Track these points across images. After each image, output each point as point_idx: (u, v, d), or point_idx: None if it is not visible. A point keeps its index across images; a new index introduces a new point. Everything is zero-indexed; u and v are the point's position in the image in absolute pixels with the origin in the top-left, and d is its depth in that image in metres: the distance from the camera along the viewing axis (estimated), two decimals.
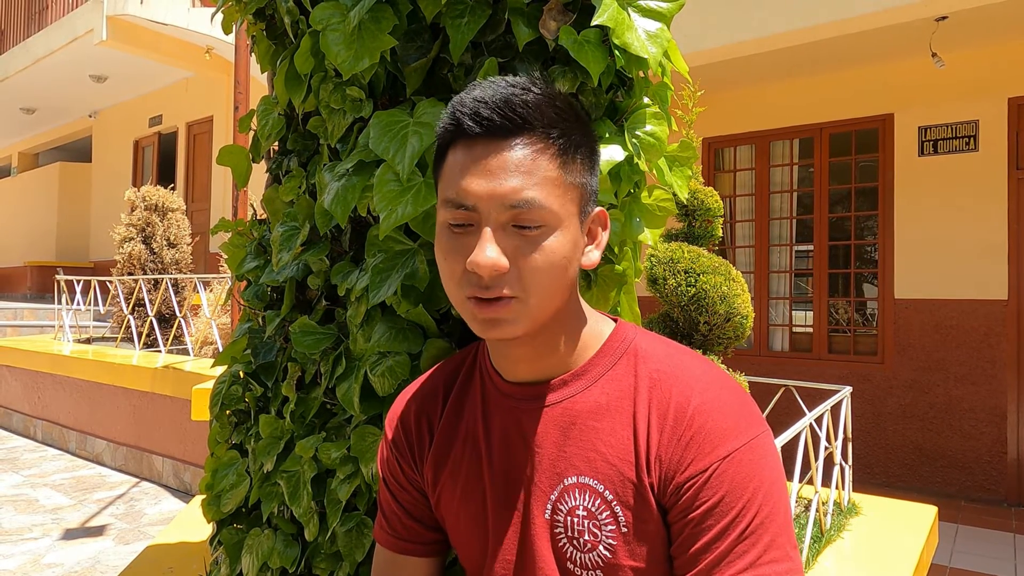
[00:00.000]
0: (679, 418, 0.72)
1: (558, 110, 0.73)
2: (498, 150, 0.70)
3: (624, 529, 0.72)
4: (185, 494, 4.62)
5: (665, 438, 0.72)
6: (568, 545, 0.75)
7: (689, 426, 0.71)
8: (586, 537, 0.74)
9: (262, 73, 1.39)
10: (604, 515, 0.73)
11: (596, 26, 0.96)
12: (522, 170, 0.70)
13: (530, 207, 0.69)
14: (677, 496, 0.70)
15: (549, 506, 0.76)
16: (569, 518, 0.75)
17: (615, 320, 0.84)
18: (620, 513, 0.73)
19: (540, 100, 0.72)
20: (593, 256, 0.78)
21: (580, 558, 0.74)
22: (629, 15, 0.99)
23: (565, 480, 0.76)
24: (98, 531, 3.90)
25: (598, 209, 0.78)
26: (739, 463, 0.69)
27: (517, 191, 0.69)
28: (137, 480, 4.96)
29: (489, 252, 0.69)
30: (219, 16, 1.36)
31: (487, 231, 0.70)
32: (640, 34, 0.99)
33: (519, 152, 0.70)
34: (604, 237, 0.79)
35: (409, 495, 0.89)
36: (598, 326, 0.81)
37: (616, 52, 1.00)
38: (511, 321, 0.71)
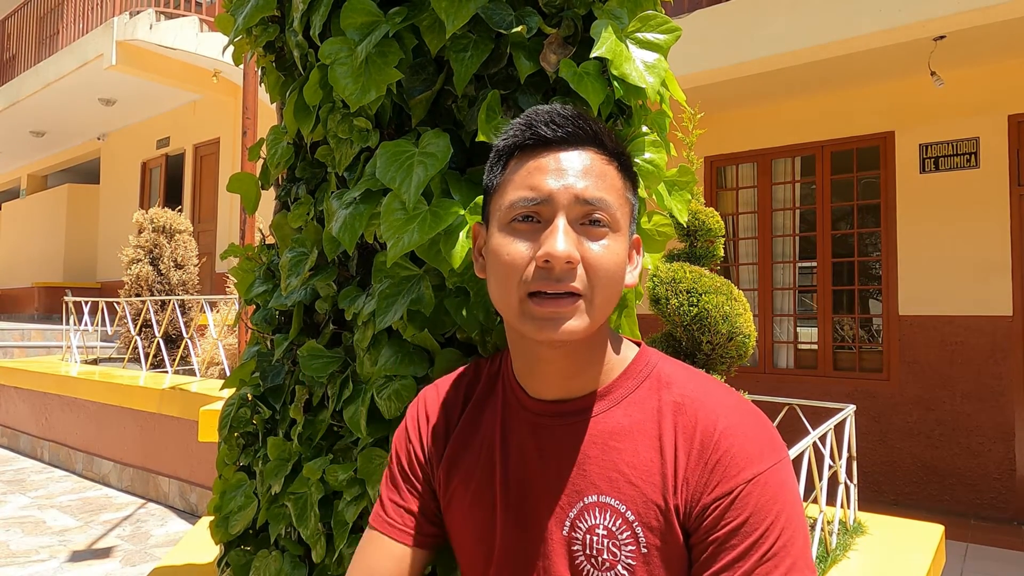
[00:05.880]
0: (705, 442, 0.73)
1: (616, 137, 0.80)
2: (572, 154, 0.75)
3: (644, 550, 0.73)
4: (191, 515, 4.61)
5: (692, 461, 0.73)
6: (586, 563, 0.75)
7: (716, 449, 0.72)
8: (605, 556, 0.74)
9: (271, 103, 1.42)
10: (625, 535, 0.74)
11: (595, 58, 0.99)
12: (595, 173, 0.75)
13: (602, 205, 0.74)
14: (702, 517, 0.71)
15: (567, 523, 0.77)
16: (589, 536, 0.75)
17: (638, 344, 0.86)
18: (641, 534, 0.73)
19: (604, 126, 0.79)
20: (633, 276, 0.81)
21: None
22: (627, 47, 1.02)
23: (586, 498, 0.76)
24: (105, 553, 3.90)
25: (635, 236, 0.83)
26: (763, 486, 0.70)
27: (591, 188, 0.74)
28: (144, 501, 4.97)
29: (566, 241, 0.71)
30: (230, 47, 1.40)
31: (561, 222, 0.72)
32: (638, 65, 1.02)
33: (592, 159, 0.76)
34: (639, 261, 0.84)
35: (418, 484, 0.88)
36: (623, 349, 0.83)
37: (615, 83, 1.03)
38: (573, 319, 0.72)
